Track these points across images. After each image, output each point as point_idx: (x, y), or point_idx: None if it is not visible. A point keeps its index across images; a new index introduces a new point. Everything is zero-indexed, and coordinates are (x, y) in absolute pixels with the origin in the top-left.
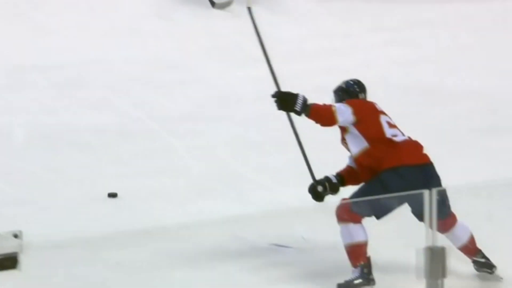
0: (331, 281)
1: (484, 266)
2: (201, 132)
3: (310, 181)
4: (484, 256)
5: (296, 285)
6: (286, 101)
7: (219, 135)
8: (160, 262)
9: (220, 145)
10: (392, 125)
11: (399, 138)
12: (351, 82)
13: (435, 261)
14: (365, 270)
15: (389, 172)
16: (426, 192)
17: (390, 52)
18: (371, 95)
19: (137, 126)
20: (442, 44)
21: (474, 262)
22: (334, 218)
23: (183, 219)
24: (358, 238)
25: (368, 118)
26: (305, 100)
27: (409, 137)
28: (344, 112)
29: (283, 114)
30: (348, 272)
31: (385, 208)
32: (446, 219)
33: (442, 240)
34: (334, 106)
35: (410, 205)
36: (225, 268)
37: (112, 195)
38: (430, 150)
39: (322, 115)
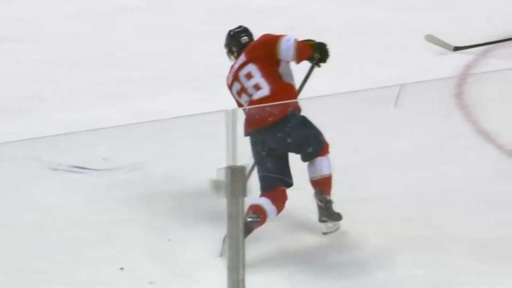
0: (126, 197)
1: (323, 212)
2: (2, 52)
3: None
4: (326, 203)
5: (96, 204)
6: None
7: (21, 54)
8: None
9: (22, 65)
10: (240, 91)
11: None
12: (236, 29)
13: (235, 180)
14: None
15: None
16: (225, 112)
17: None
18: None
19: None
20: None
21: (319, 206)
22: (137, 139)
23: None
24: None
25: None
26: None
27: (251, 100)
28: None
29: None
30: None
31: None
32: (315, 155)
33: (241, 160)
34: None
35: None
36: (26, 190)
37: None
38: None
39: None
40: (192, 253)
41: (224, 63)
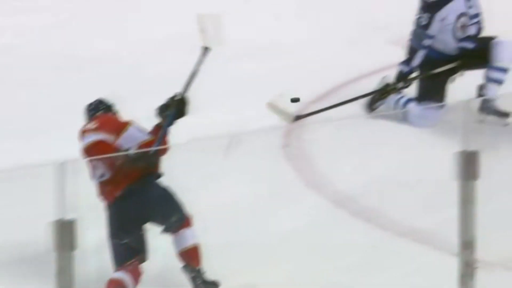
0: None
1: (197, 283)
2: None
3: None
4: (197, 273)
5: None
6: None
7: None
8: None
9: None
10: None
11: (99, 180)
12: (89, 104)
13: (64, 234)
14: None
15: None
16: (53, 165)
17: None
18: None
19: None
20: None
21: (191, 278)
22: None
23: None
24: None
25: None
26: None
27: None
28: None
29: None
30: None
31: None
32: (180, 227)
33: (70, 213)
34: None
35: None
36: None
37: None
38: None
39: None
40: None
41: (62, 112)
